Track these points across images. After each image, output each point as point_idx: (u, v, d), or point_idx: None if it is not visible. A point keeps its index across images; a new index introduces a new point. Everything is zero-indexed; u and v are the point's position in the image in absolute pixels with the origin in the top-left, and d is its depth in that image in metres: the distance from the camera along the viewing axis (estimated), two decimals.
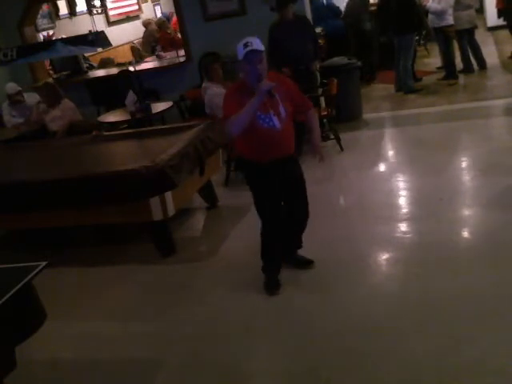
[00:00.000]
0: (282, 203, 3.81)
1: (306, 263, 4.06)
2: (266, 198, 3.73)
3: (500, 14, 9.85)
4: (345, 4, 9.78)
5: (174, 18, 10.86)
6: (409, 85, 8.20)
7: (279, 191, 3.73)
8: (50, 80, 7.97)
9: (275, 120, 3.52)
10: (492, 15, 10.78)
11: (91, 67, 9.56)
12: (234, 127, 3.43)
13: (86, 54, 9.47)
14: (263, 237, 3.85)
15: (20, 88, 7.14)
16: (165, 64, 8.50)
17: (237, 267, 4.28)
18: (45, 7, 10.01)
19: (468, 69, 8.64)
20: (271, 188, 3.69)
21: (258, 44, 3.42)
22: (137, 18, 12.85)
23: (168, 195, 4.36)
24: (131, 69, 7.99)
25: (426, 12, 8.40)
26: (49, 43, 7.73)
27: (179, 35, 8.68)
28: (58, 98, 6.64)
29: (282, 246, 3.94)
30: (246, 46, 3.40)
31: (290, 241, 4.03)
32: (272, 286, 3.85)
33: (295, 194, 3.82)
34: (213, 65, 5.92)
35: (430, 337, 3.11)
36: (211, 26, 7.50)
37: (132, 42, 11.84)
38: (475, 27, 8.54)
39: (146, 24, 11.61)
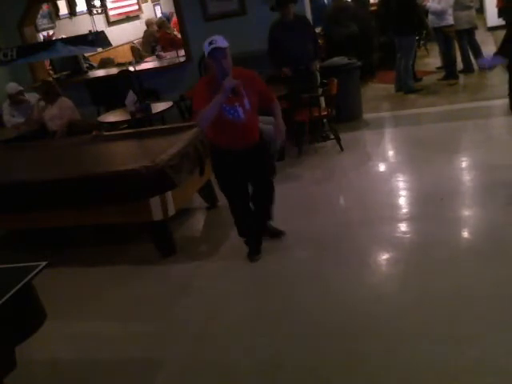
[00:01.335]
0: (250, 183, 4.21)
1: (279, 233, 4.49)
2: (231, 181, 4.13)
3: (500, 13, 9.85)
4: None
5: (174, 18, 10.87)
6: (409, 85, 8.21)
7: (245, 174, 4.12)
8: (50, 79, 7.96)
9: (240, 111, 3.87)
10: (492, 15, 10.78)
11: (91, 67, 9.56)
12: (201, 121, 3.79)
13: (86, 54, 9.47)
14: (233, 213, 4.31)
15: (21, 88, 7.13)
16: (165, 64, 8.50)
17: (237, 267, 4.28)
18: (45, 7, 10.00)
19: (468, 69, 8.64)
20: (235, 172, 4.07)
21: (221, 41, 3.74)
22: (137, 18, 12.85)
23: (168, 195, 4.36)
24: (131, 69, 7.99)
25: (426, 12, 8.40)
26: (49, 43, 7.72)
27: (179, 35, 8.69)
28: (56, 95, 6.65)
29: (253, 220, 4.32)
30: (210, 43, 3.72)
31: (262, 214, 4.39)
32: (252, 253, 4.28)
33: (259, 176, 4.20)
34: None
35: (430, 337, 3.11)
36: (211, 26, 7.49)
37: (132, 42, 11.84)
38: (475, 28, 8.54)
39: (148, 24, 11.62)
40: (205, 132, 4.21)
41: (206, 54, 3.77)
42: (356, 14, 9.09)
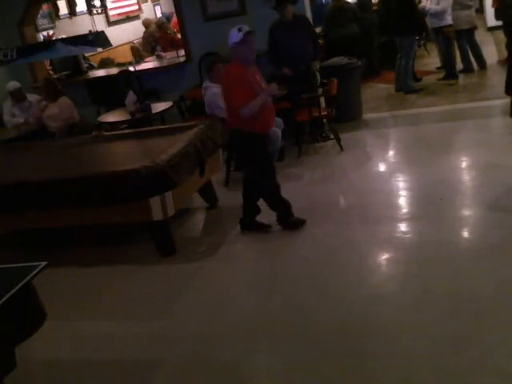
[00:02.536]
0: None
1: (266, 226, 4.70)
2: (270, 161, 4.54)
3: (496, 13, 9.83)
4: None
5: (174, 19, 10.86)
6: (409, 85, 8.20)
7: None
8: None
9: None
10: (492, 15, 10.76)
11: (91, 67, 9.56)
12: (249, 112, 4.22)
13: (86, 54, 9.47)
14: (271, 192, 4.54)
15: (20, 85, 7.15)
16: (165, 64, 8.49)
17: (237, 267, 4.29)
18: (45, 7, 10.00)
19: (468, 69, 8.63)
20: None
21: (248, 27, 4.19)
22: (137, 17, 12.85)
23: (168, 195, 4.36)
24: (131, 69, 7.99)
25: (425, 14, 8.40)
26: (49, 43, 7.72)
27: (179, 35, 8.68)
28: (57, 93, 6.66)
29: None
30: (240, 30, 4.14)
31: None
32: (301, 223, 4.59)
33: None
34: (216, 64, 5.91)
35: (430, 337, 3.11)
36: (211, 26, 7.49)
37: (132, 42, 11.85)
38: (475, 27, 8.53)
39: (146, 24, 11.61)
40: (244, 122, 4.34)
41: (236, 41, 4.14)
42: (356, 14, 9.09)
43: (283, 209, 4.61)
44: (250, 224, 4.73)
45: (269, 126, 4.52)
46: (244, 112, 4.21)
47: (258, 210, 4.71)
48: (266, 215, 4.68)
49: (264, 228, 4.68)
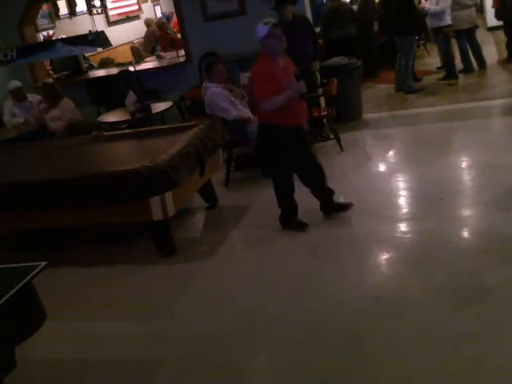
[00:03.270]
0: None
1: (346, 206, 4.68)
2: (292, 157, 4.41)
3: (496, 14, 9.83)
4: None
5: (175, 19, 10.86)
6: (409, 85, 8.20)
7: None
8: (50, 80, 7.97)
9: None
10: (492, 15, 10.75)
11: (91, 67, 9.56)
12: (269, 108, 4.21)
13: (86, 54, 9.47)
14: (284, 190, 4.54)
15: (21, 84, 7.15)
16: (165, 64, 8.49)
17: (237, 267, 4.29)
18: (45, 7, 10.00)
19: (468, 69, 8.63)
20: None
21: (274, 21, 4.24)
22: (137, 17, 12.85)
23: (168, 195, 4.36)
24: (131, 69, 7.99)
25: (424, 14, 8.40)
26: (49, 43, 7.72)
27: (179, 35, 8.68)
28: (58, 97, 6.66)
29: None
30: (266, 23, 4.17)
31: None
32: (302, 226, 4.56)
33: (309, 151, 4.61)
34: (217, 64, 5.91)
35: (430, 337, 3.11)
36: (211, 26, 7.50)
37: (132, 42, 11.85)
38: (476, 27, 8.52)
39: (147, 24, 11.62)
40: (267, 116, 4.35)
41: (263, 35, 4.16)
42: (354, 15, 9.09)
43: (291, 209, 4.61)
44: (289, 222, 4.65)
45: (295, 121, 4.36)
46: (264, 107, 4.23)
47: (330, 191, 4.66)
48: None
49: (303, 226, 4.59)
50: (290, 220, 4.62)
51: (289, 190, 4.53)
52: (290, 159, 4.44)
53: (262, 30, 4.19)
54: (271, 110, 4.22)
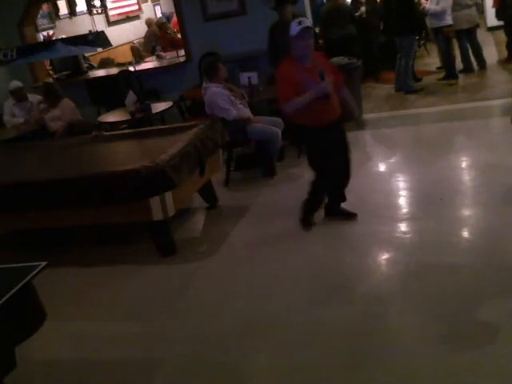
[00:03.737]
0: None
1: (350, 215, 4.61)
2: (326, 155, 4.35)
3: (497, 14, 9.84)
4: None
5: (174, 19, 10.87)
6: (409, 85, 8.20)
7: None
8: (50, 80, 7.98)
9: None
10: (492, 15, 10.75)
11: (91, 67, 9.57)
12: (291, 108, 4.17)
13: (86, 54, 9.48)
14: (318, 188, 4.47)
15: (21, 84, 7.15)
16: (165, 64, 8.50)
17: (237, 267, 4.28)
18: (45, 7, 10.01)
19: (468, 69, 8.63)
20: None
21: (308, 22, 4.22)
22: (137, 17, 12.86)
23: (168, 195, 4.36)
24: (131, 69, 8.00)
25: (425, 14, 8.39)
26: (49, 43, 7.73)
27: (179, 35, 8.69)
28: (58, 97, 6.67)
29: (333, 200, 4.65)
30: (300, 23, 4.11)
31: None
32: (308, 224, 4.54)
33: (345, 153, 4.53)
34: (217, 64, 5.91)
35: (430, 337, 3.11)
36: (211, 26, 7.51)
37: (132, 42, 11.85)
38: (477, 26, 8.52)
39: (149, 23, 11.62)
40: (294, 117, 4.34)
41: (292, 34, 4.12)
42: (352, 15, 9.08)
43: (317, 206, 4.60)
44: (306, 214, 4.60)
45: (321, 122, 4.25)
46: (286, 108, 4.21)
47: (343, 197, 4.66)
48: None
49: (308, 226, 4.58)
50: (309, 212, 4.58)
51: (325, 189, 4.53)
52: (323, 158, 4.38)
53: (294, 28, 4.14)
54: (294, 111, 4.19)
